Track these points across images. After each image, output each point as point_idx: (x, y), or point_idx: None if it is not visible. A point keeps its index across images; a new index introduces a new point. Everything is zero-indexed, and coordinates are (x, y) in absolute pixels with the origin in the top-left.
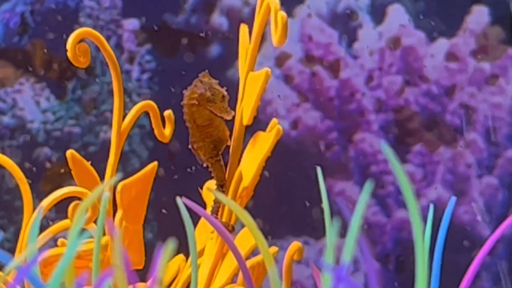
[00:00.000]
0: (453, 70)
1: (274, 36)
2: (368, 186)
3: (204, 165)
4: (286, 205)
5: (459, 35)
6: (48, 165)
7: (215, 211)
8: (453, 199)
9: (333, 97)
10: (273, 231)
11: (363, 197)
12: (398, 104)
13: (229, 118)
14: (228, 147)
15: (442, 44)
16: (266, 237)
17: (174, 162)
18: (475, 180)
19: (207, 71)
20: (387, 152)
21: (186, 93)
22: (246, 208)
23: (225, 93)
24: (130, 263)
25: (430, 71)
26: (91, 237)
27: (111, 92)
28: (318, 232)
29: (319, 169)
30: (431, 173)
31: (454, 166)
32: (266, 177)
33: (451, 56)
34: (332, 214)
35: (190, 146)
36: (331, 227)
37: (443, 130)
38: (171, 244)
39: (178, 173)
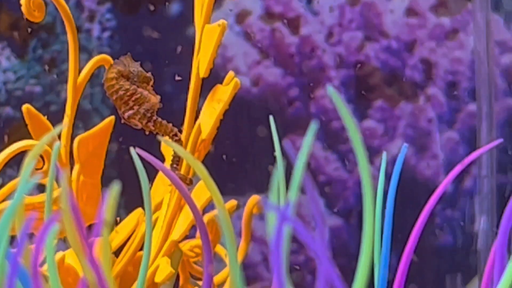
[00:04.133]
0: (413, 25)
1: None
2: (313, 127)
3: (147, 132)
4: (248, 162)
5: None
6: (9, 124)
7: (175, 162)
8: (405, 147)
9: (294, 53)
10: (235, 187)
11: (308, 139)
12: (359, 59)
13: (155, 101)
14: (185, 101)
15: None
16: (228, 193)
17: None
18: (436, 135)
19: (129, 53)
20: (335, 96)
21: (106, 71)
22: (207, 163)
23: (149, 75)
24: (78, 211)
25: (390, 26)
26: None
27: None
28: None
29: (271, 118)
30: (392, 128)
31: (415, 121)
32: (228, 133)
33: (411, 11)
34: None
35: (122, 121)
36: (277, 170)
37: (403, 85)
38: (115, 187)
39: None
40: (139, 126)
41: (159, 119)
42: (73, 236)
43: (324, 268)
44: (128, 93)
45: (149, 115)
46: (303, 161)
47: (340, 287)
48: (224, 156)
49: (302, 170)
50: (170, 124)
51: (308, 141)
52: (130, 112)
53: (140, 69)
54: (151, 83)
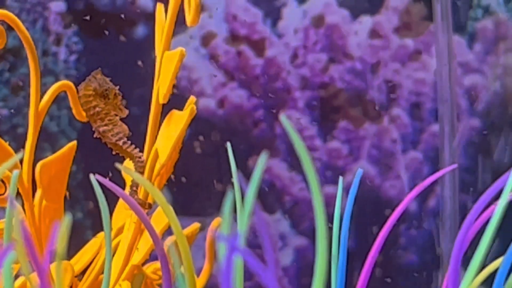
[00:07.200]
0: (377, 47)
1: (188, 16)
2: (263, 158)
3: (114, 152)
4: (214, 183)
5: (382, 12)
6: None
7: (135, 185)
8: (360, 171)
9: (259, 75)
10: (202, 208)
11: (258, 169)
12: (323, 81)
13: (123, 115)
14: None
15: (366, 21)
16: (194, 215)
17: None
18: (400, 155)
19: (100, 69)
20: (287, 125)
21: (80, 87)
22: (172, 185)
23: (117, 90)
24: (31, 239)
25: (354, 48)
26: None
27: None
28: None
29: (228, 145)
30: (357, 149)
31: (379, 141)
32: (194, 155)
33: (374, 33)
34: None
35: (96, 135)
36: (227, 200)
37: (367, 106)
38: (67, 219)
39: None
40: (111, 142)
41: (129, 142)
42: (26, 264)
43: None
44: (104, 112)
45: (121, 135)
46: (253, 192)
47: None
48: (188, 178)
49: (252, 201)
50: (137, 149)
51: (257, 174)
52: (105, 128)
53: (111, 84)
54: (120, 98)
